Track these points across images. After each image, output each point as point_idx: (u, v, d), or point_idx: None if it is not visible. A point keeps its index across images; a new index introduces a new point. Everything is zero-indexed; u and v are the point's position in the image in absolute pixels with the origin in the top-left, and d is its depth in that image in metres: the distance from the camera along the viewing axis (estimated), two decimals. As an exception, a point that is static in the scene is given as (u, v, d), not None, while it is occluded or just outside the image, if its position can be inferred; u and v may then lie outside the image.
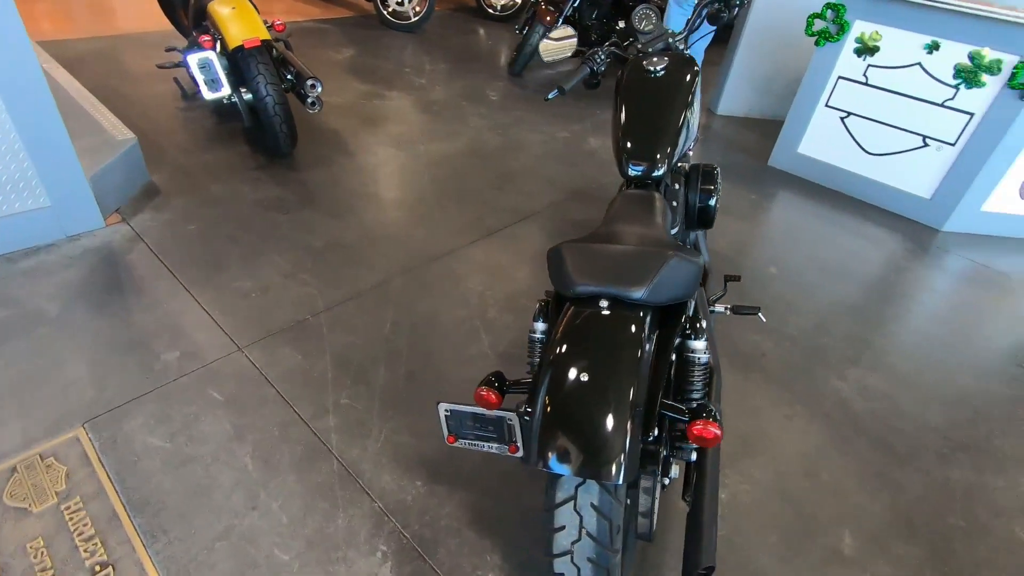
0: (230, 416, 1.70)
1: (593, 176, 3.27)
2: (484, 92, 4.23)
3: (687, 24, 1.91)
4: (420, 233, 2.59)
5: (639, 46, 1.87)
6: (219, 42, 2.61)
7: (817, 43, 3.25)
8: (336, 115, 3.58)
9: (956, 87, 2.92)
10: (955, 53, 2.87)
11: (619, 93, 1.74)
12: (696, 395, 1.25)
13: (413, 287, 2.27)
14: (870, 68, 3.14)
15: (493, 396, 1.15)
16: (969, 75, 2.86)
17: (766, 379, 2.05)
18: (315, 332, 2.01)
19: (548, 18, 4.19)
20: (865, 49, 3.12)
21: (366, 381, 1.85)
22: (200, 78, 2.56)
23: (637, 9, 1.87)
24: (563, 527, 1.02)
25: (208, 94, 2.61)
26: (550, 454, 0.97)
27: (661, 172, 1.55)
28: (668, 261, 1.15)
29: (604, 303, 1.13)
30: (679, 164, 1.78)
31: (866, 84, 3.18)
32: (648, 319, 1.13)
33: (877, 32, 3.07)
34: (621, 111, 1.67)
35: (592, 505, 1.01)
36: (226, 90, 2.64)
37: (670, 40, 1.87)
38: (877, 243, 3.01)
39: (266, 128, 2.76)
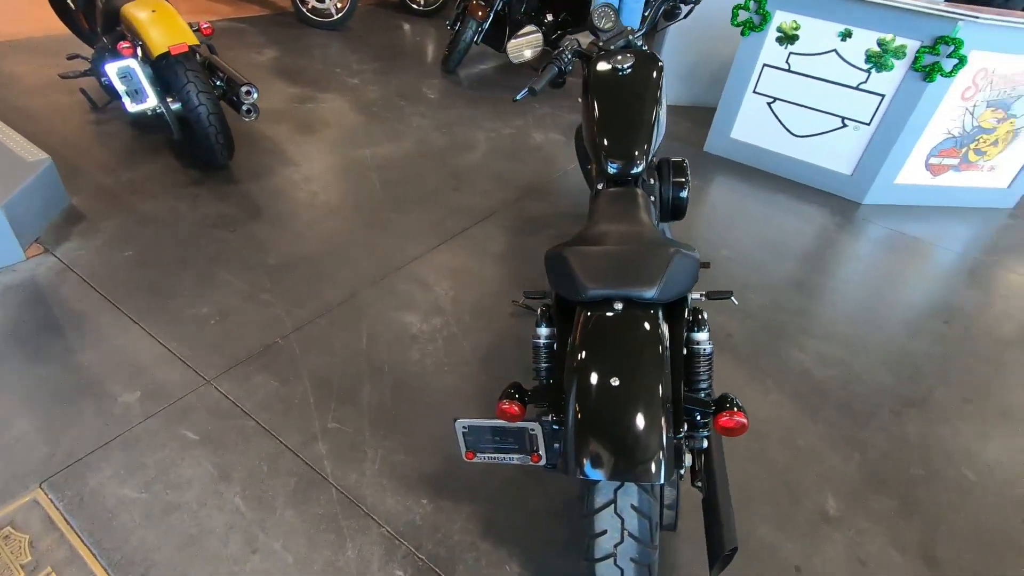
0: (210, 455, 1.58)
1: (543, 172, 3.29)
2: (421, 90, 4.14)
3: (643, 21, 1.95)
4: (381, 240, 2.51)
5: (600, 44, 1.90)
6: (140, 48, 2.39)
7: (743, 33, 3.42)
8: (269, 121, 3.39)
9: (868, 71, 3.17)
10: (866, 40, 3.11)
11: (588, 91, 1.76)
12: (703, 385, 1.29)
13: (384, 297, 2.20)
14: (792, 55, 3.35)
15: (515, 408, 1.14)
16: (879, 60, 3.11)
17: (736, 358, 2.15)
18: (288, 355, 1.91)
19: (480, 13, 4.16)
20: (786, 38, 3.32)
21: (352, 401, 1.78)
22: (122, 89, 2.34)
23: (596, 7, 1.89)
24: (604, 531, 1.03)
25: (132, 106, 2.39)
26: (590, 462, 0.98)
27: (640, 168, 1.59)
28: (673, 258, 1.19)
29: (619, 305, 1.14)
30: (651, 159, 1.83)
31: (789, 71, 3.39)
32: (660, 316, 1.16)
33: (795, 21, 3.27)
34: (594, 109, 1.69)
35: (632, 506, 1.03)
36: (152, 101, 2.42)
37: (630, 37, 1.91)
38: (810, 219, 3.23)
39: (200, 139, 2.56)
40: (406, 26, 5.56)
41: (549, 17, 4.85)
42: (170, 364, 1.83)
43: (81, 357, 1.82)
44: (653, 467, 0.97)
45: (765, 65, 3.44)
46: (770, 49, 3.39)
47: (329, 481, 1.56)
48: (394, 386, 1.85)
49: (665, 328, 1.15)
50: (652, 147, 1.64)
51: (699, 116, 4.20)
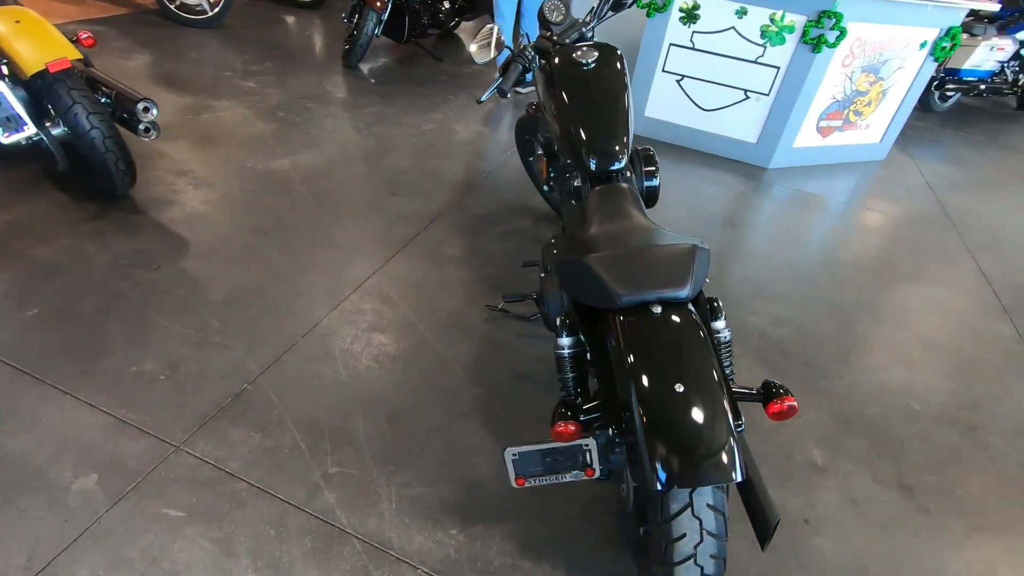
0: (205, 531, 1.40)
1: (477, 166, 3.22)
2: (327, 89, 3.88)
3: (593, 12, 1.95)
4: (329, 259, 2.33)
5: (555, 38, 1.87)
6: (5, 67, 2.00)
7: (648, 14, 3.54)
8: (164, 138, 3.00)
9: (764, 46, 3.42)
10: (759, 16, 3.34)
11: (555, 88, 1.73)
12: (727, 372, 1.34)
13: (350, 321, 2.05)
14: (695, 34, 3.52)
15: (572, 427, 1.12)
16: (772, 35, 3.36)
17: (703, 330, 2.26)
18: (262, 401, 1.73)
19: (379, 4, 3.95)
20: (688, 17, 3.49)
21: (348, 440, 1.66)
22: (-11, 118, 1.95)
23: (546, 1, 1.86)
24: (683, 535, 1.05)
25: (5, 137, 2.00)
26: (672, 472, 0.98)
27: (624, 163, 1.59)
28: (696, 254, 1.21)
29: (657, 308, 1.15)
30: None
31: (694, 49, 3.57)
32: (695, 312, 1.18)
33: (695, 2, 3.44)
34: (567, 107, 1.66)
35: (708, 505, 1.05)
36: (30, 129, 2.05)
37: (583, 29, 1.90)
38: (727, 186, 3.45)
39: (95, 167, 2.22)
40: (290, 20, 5.16)
41: (446, 4, 4.73)
42: (125, 434, 1.59)
43: (8, 447, 1.52)
44: (729, 465, 0.99)
45: (672, 44, 3.60)
46: (675, 29, 3.54)
47: (347, 532, 1.44)
48: (388, 415, 1.74)
49: (703, 324, 1.17)
50: (631, 140, 1.65)
51: (610, 97, 4.31)
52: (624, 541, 1.49)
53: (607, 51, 1.77)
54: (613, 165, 1.58)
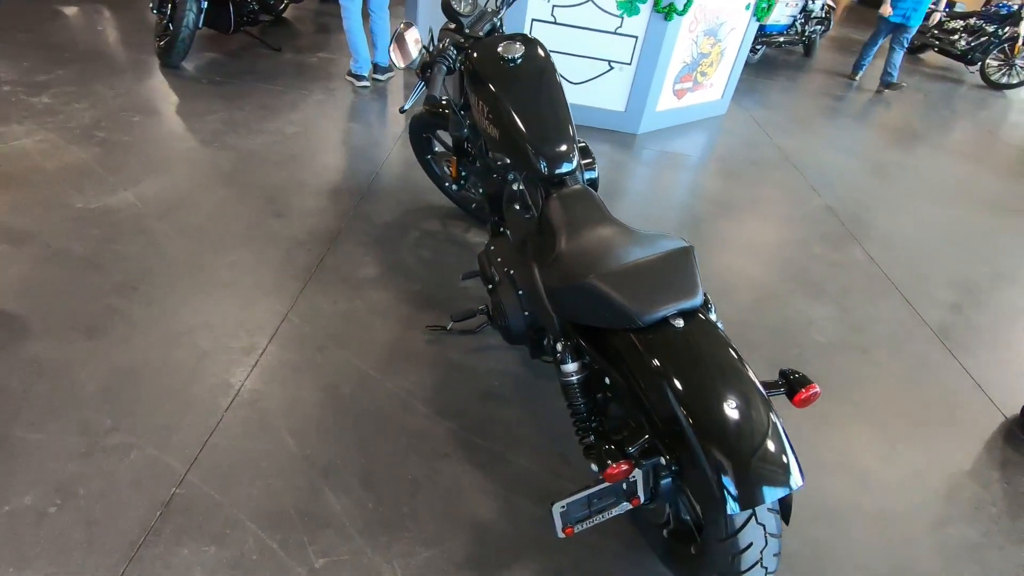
0: None
1: (363, 168, 2.94)
2: (151, 97, 3.24)
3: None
4: (225, 306, 1.97)
5: (467, 31, 1.71)
6: None
7: (507, -10, 3.44)
8: (-61, 185, 2.30)
9: (621, 16, 3.51)
10: (614, -12, 3.42)
11: (484, 87, 1.58)
12: None
13: (277, 377, 1.76)
14: (555, 8, 3.51)
15: (625, 466, 1.05)
16: (627, 5, 3.46)
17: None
18: (203, 503, 1.42)
19: (195, -11, 3.36)
20: (547, -9, 3.46)
21: (325, 522, 1.43)
22: None
23: (452, -11, 1.68)
24: (750, 544, 1.04)
25: None
26: (744, 492, 0.96)
27: (576, 162, 1.51)
28: (692, 254, 1.20)
29: (679, 322, 1.11)
30: None
31: (556, 23, 3.56)
32: (709, 317, 1.16)
33: (551, -25, 3.41)
34: (505, 108, 1.53)
35: (768, 509, 1.05)
36: None
37: (495, 20, 1.75)
38: (606, 157, 3.56)
39: None
40: (69, 13, 4.22)
41: (275, -12, 4.19)
42: (23, 601, 1.20)
43: None
44: (796, 471, 0.99)
45: (534, 20, 3.55)
46: (536, 4, 3.49)
47: (361, 629, 1.25)
48: (360, 478, 1.54)
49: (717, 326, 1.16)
50: (576, 137, 1.57)
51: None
52: (644, 546, 1.48)
53: (530, 43, 1.66)
54: (566, 167, 1.49)
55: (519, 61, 1.59)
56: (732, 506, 0.95)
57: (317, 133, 3.20)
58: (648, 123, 3.95)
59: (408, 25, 1.68)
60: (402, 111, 1.69)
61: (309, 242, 2.34)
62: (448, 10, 1.71)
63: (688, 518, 1.26)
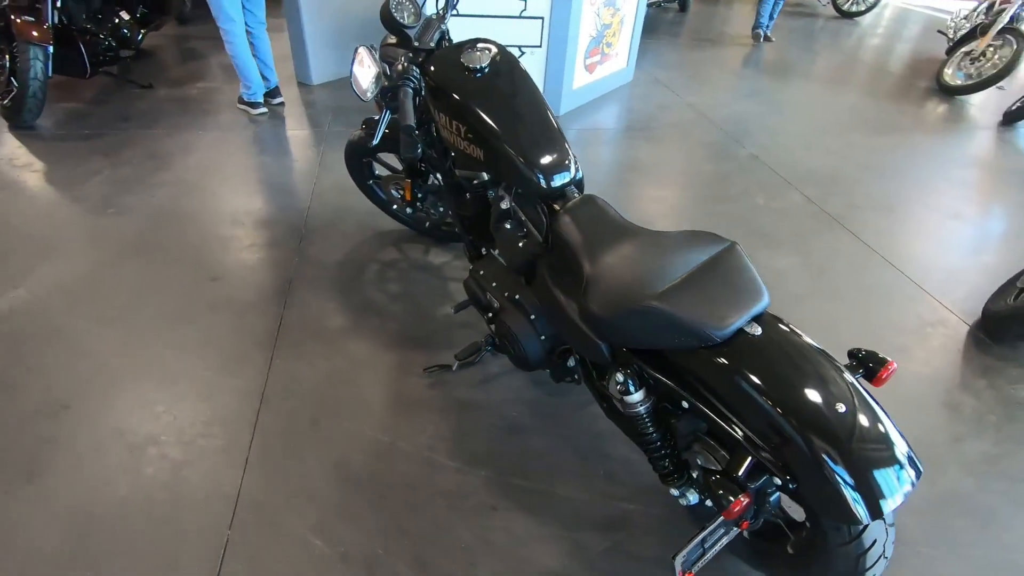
0: None
1: (291, 205, 2.65)
2: (10, 167, 2.74)
3: (446, 2, 1.63)
4: (189, 403, 1.69)
5: (416, 44, 1.53)
6: None
7: (400, -14, 3.21)
8: None
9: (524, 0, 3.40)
10: (511, -30, 3.29)
11: (455, 102, 1.42)
12: None
13: (280, 471, 1.53)
14: (455, -1, 3.33)
15: (746, 499, 0.97)
16: (527, -14, 3.35)
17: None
18: (238, 647, 1.20)
19: (36, 33, 2.87)
20: (443, -18, 3.27)
21: (387, 623, 1.25)
22: None
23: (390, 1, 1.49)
24: (875, 540, 1.00)
25: None
26: (869, 499, 0.90)
27: (576, 171, 1.40)
28: (739, 251, 1.14)
29: (756, 329, 1.04)
30: None
31: (459, 15, 3.38)
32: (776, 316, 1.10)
33: (443, -36, 3.22)
34: (487, 122, 1.38)
35: None
36: None
37: (441, 27, 1.58)
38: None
39: None
40: None
41: (124, 16, 3.69)
42: None
43: None
44: (915, 461, 0.95)
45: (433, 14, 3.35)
46: (433, -3, 3.29)
47: None
48: (408, 560, 1.37)
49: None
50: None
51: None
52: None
53: (492, 48, 1.50)
54: (565, 177, 1.37)
55: (486, 69, 1.44)
56: (862, 516, 0.90)
57: (225, 175, 2.86)
58: (567, 103, 3.89)
59: (366, 48, 1.47)
60: (371, 145, 1.49)
61: (260, 302, 2.07)
62: (390, 22, 1.52)
63: (776, 519, 1.22)
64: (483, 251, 1.78)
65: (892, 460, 0.93)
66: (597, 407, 1.55)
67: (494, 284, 1.58)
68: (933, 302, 2.32)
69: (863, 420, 0.94)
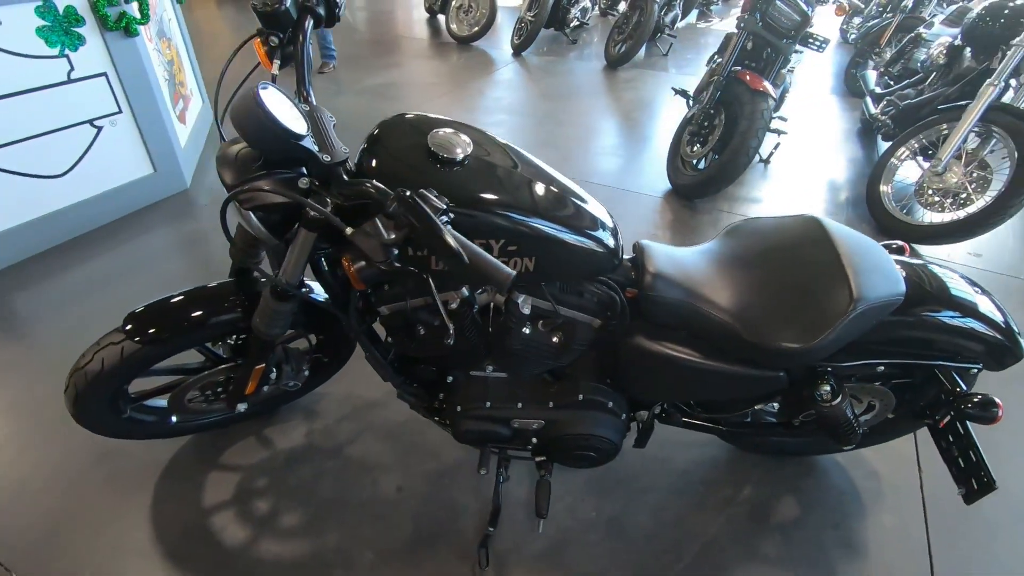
0: None
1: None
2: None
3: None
4: None
5: (327, 159, 0.87)
6: None
7: None
8: None
9: (63, 55, 2.27)
10: (21, 19, 2.11)
11: (479, 213, 0.92)
12: None
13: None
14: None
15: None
16: (57, 36, 2.23)
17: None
18: None
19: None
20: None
21: None
22: None
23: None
24: None
25: None
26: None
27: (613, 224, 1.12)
28: (822, 221, 1.20)
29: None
30: None
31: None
32: None
33: None
34: (524, 220, 0.95)
35: None
36: None
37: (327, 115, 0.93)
38: (162, 238, 2.59)
39: None
40: None
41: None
42: None
43: None
44: None
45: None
46: None
47: None
48: None
49: None
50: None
51: None
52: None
53: (443, 124, 0.97)
54: (616, 236, 1.08)
55: (470, 150, 0.95)
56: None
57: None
58: (188, 168, 2.93)
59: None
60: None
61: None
62: (264, 141, 0.80)
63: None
64: (448, 379, 1.31)
65: None
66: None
67: (519, 405, 1.23)
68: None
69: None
